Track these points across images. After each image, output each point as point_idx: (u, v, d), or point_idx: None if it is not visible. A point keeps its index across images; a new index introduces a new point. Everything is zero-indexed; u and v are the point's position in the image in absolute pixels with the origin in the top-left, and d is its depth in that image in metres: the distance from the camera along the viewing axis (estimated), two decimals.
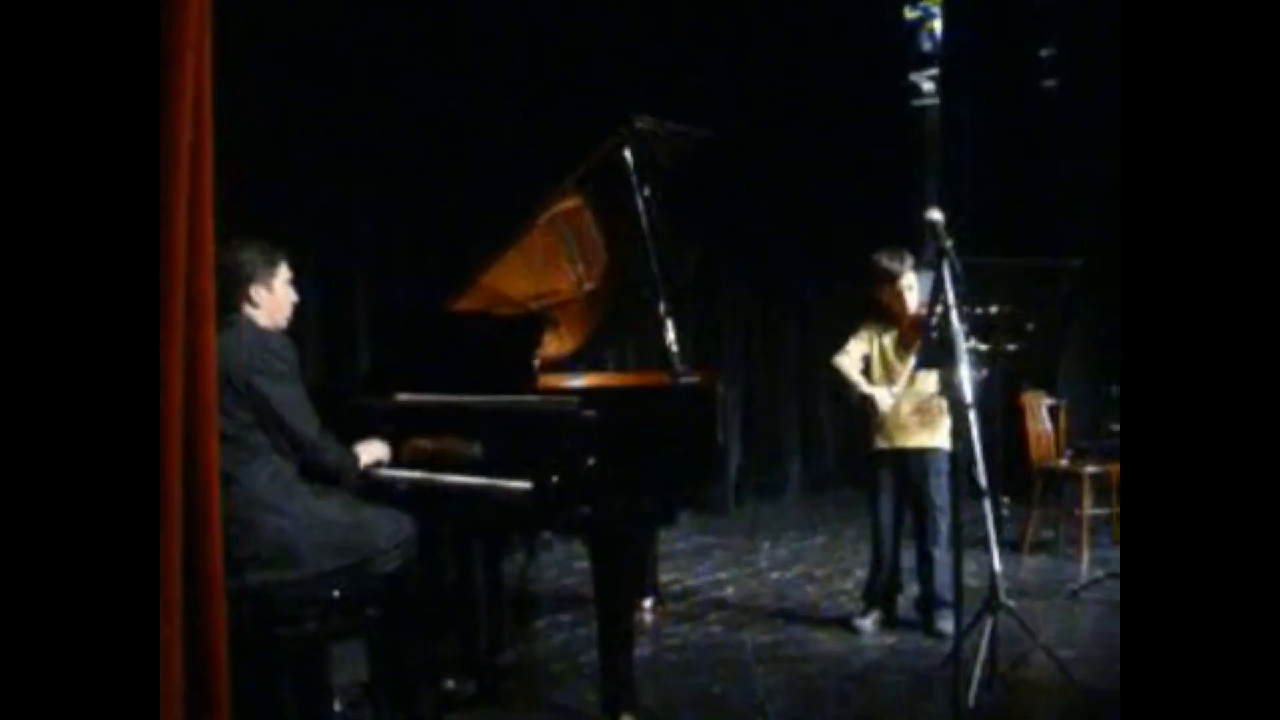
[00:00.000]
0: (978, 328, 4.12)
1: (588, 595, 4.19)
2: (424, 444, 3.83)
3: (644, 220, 3.90)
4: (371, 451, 3.72)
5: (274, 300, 3.56)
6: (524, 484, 3.44)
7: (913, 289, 4.90)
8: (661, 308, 3.88)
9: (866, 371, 5.01)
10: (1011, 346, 4.20)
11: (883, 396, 4.90)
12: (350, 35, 5.99)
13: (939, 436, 4.89)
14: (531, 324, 3.99)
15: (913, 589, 5.12)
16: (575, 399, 3.60)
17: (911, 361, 4.84)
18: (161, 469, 2.15)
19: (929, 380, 4.84)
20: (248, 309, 3.51)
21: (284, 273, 3.59)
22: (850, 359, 5.01)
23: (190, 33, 2.21)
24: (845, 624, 5.09)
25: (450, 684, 4.08)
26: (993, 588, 4.03)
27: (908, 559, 5.13)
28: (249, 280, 3.50)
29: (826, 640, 4.92)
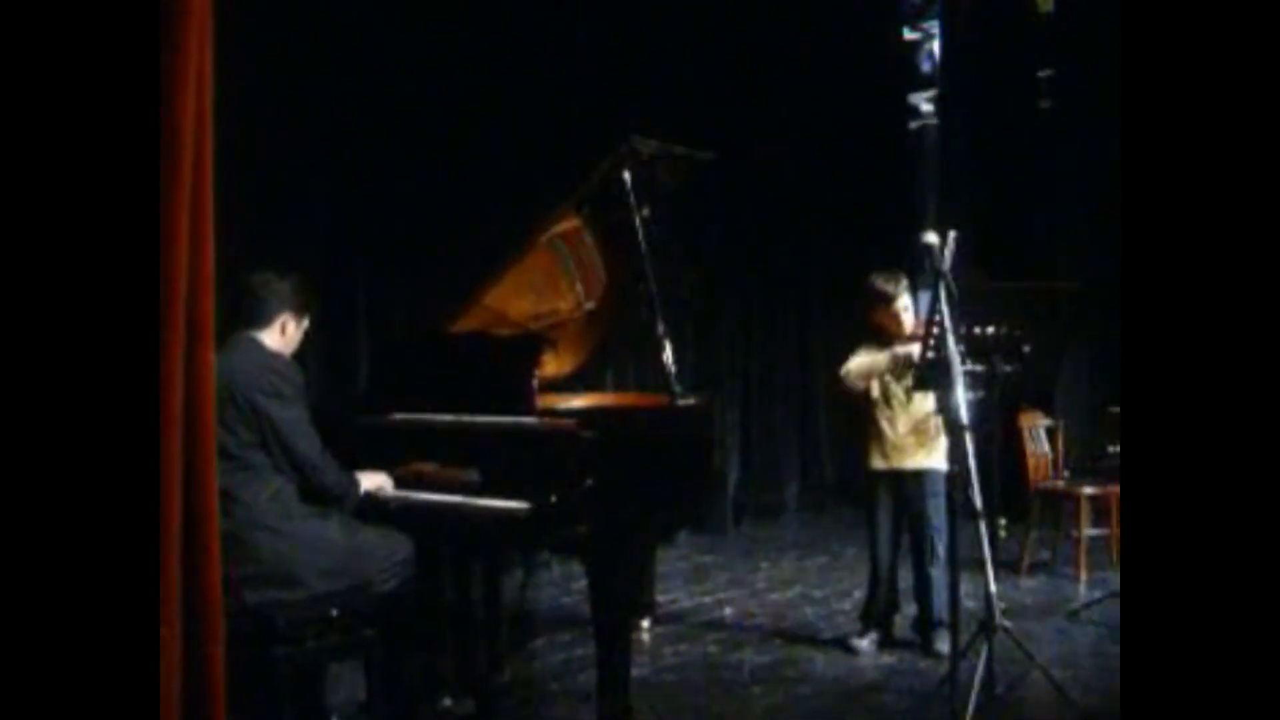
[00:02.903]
0: (975, 349, 4.12)
1: (585, 615, 4.18)
2: (422, 464, 3.83)
3: (642, 242, 3.92)
4: (373, 480, 3.72)
5: (292, 335, 3.66)
6: (522, 504, 3.44)
7: (908, 310, 4.90)
8: (659, 329, 3.89)
9: (864, 393, 5.00)
10: (1008, 368, 4.20)
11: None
12: (349, 59, 6.01)
13: (936, 457, 4.89)
14: (530, 344, 3.99)
15: (910, 609, 5.11)
16: (574, 419, 3.61)
17: (909, 384, 4.83)
18: (161, 487, 2.15)
19: (926, 400, 4.84)
20: (262, 332, 3.56)
21: (306, 321, 3.72)
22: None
23: (191, 55, 2.22)
24: (843, 644, 5.07)
25: (448, 703, 4.08)
26: (989, 609, 4.02)
27: (905, 579, 5.12)
28: (289, 306, 3.62)
29: (824, 661, 4.91)
